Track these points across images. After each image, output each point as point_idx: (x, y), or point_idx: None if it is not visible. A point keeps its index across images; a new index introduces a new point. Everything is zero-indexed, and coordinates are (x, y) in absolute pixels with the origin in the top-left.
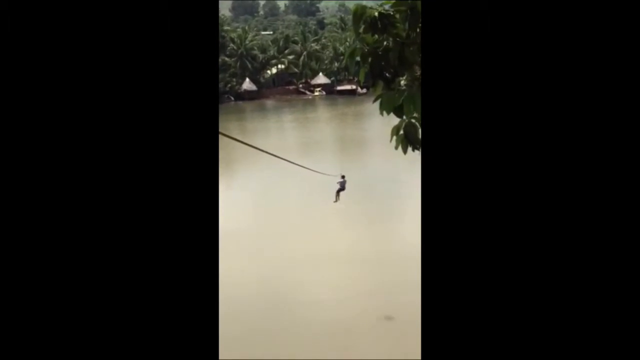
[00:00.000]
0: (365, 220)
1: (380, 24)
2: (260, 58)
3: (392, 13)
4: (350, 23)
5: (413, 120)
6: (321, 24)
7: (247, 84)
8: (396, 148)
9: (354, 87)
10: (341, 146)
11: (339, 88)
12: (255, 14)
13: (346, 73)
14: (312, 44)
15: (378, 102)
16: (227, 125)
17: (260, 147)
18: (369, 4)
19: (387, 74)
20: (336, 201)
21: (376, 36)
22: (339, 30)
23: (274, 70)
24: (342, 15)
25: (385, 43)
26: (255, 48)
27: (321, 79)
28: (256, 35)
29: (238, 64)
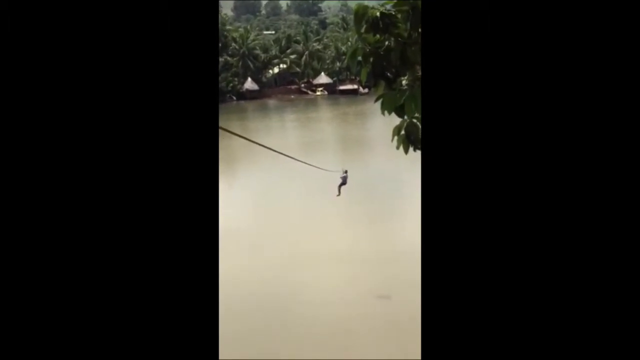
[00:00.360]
0: (366, 220)
1: (382, 23)
2: (262, 58)
3: (393, 13)
4: (352, 23)
5: (414, 120)
6: (323, 24)
7: (249, 84)
8: (397, 148)
9: (355, 86)
10: (343, 146)
11: (340, 88)
12: (257, 14)
13: (348, 73)
14: (314, 44)
15: (380, 101)
16: (228, 124)
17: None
18: (371, 3)
19: (388, 74)
20: (339, 195)
21: (378, 36)
22: (341, 30)
23: (276, 70)
24: (344, 15)
25: (386, 43)
26: (257, 48)
27: (323, 78)
28: (258, 34)
29: (240, 63)
